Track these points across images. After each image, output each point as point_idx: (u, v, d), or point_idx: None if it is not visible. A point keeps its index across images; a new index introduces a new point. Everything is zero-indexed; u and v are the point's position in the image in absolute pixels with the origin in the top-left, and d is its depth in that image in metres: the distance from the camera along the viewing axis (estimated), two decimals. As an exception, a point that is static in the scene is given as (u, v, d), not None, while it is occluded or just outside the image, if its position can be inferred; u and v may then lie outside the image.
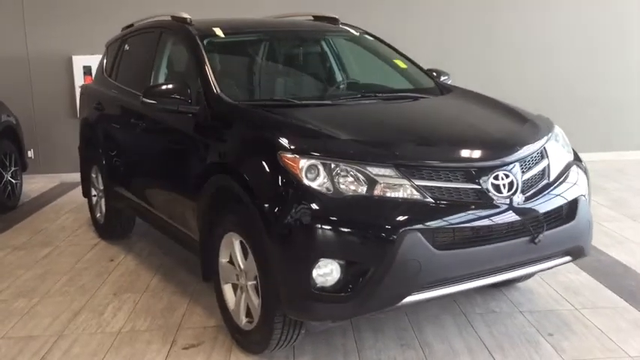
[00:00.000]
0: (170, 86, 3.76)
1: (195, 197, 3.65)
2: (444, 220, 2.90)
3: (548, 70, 8.30)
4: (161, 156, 4.25)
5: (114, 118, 5.04)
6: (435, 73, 4.50)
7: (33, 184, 7.77)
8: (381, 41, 4.73)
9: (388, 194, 2.89)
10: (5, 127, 6.64)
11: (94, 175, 5.56)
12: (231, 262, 3.46)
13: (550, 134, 3.47)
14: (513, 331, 3.58)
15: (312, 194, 2.88)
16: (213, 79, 3.75)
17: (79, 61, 7.95)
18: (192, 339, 3.60)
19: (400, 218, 2.85)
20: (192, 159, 3.75)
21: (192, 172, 3.70)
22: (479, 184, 3.00)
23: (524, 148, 3.23)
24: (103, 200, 5.44)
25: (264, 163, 3.05)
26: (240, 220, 3.29)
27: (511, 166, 3.10)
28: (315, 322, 3.15)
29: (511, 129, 3.51)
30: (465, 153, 3.14)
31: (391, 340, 3.51)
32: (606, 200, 6.14)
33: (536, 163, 3.25)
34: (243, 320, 3.40)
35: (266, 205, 2.97)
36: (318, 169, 2.92)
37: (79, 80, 7.91)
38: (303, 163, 2.92)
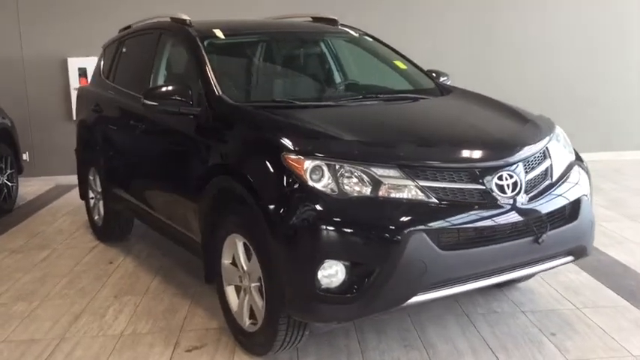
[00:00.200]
0: (171, 88, 3.74)
1: (197, 199, 3.64)
2: (449, 221, 2.90)
3: (547, 70, 8.33)
4: (162, 158, 4.23)
5: (112, 120, 5.02)
6: (434, 74, 4.51)
7: (28, 187, 7.73)
8: (381, 42, 4.73)
9: (393, 195, 2.89)
10: (0, 130, 6.61)
11: (91, 178, 5.54)
12: (234, 263, 3.45)
13: (552, 134, 3.48)
14: (516, 331, 3.59)
15: (317, 195, 2.87)
16: (215, 80, 3.74)
17: (74, 63, 7.92)
18: (195, 341, 3.59)
19: (405, 219, 2.85)
20: (193, 160, 3.74)
21: (194, 173, 3.69)
22: (483, 184, 3.00)
23: (527, 148, 3.24)
24: (100, 202, 5.42)
25: (268, 164, 3.04)
26: (244, 221, 3.28)
27: (514, 166, 3.11)
28: (319, 324, 3.15)
29: (513, 129, 3.52)
30: (468, 153, 3.15)
31: (394, 341, 3.51)
32: (604, 200, 6.16)
33: (539, 163, 3.26)
34: (246, 322, 3.39)
35: (270, 207, 2.96)
36: (323, 170, 2.91)
37: (75, 82, 7.90)
38: (308, 164, 2.92)
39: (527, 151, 3.21)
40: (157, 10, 5.33)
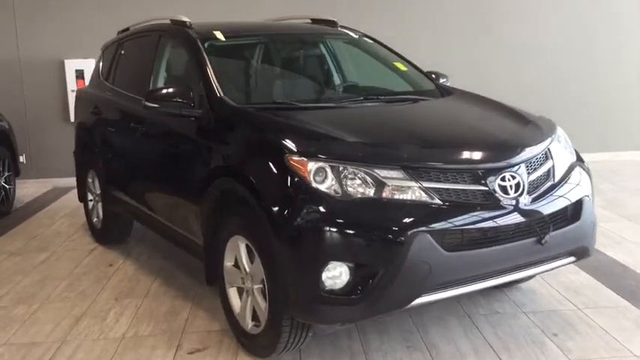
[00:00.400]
0: (172, 90, 3.74)
1: (199, 201, 3.63)
2: (453, 222, 2.90)
3: (543, 70, 8.36)
4: (162, 160, 4.22)
5: (112, 122, 5.01)
6: (434, 75, 4.52)
7: (25, 190, 7.71)
8: (380, 44, 4.74)
9: (396, 196, 2.89)
10: (-2, 132, 6.60)
11: (90, 180, 5.53)
12: (236, 265, 3.45)
13: (553, 135, 3.50)
14: (518, 332, 3.60)
15: (321, 197, 2.87)
16: (216, 82, 3.74)
17: (71, 65, 7.90)
18: (198, 343, 3.58)
19: (409, 220, 2.85)
20: (195, 163, 3.74)
21: (196, 175, 3.68)
22: (486, 185, 3.01)
23: (529, 149, 3.25)
24: (99, 205, 5.40)
25: (271, 166, 3.04)
26: (246, 223, 3.28)
27: (517, 167, 3.12)
28: (323, 325, 3.14)
29: (516, 130, 3.53)
30: (471, 155, 3.15)
31: (397, 342, 3.51)
32: (602, 201, 6.18)
33: (541, 164, 3.27)
34: (249, 324, 3.38)
35: (274, 208, 2.96)
36: (326, 172, 2.91)
37: (72, 84, 7.88)
38: (311, 165, 2.92)
39: (529, 153, 3.22)
40: (154, 12, 5.33)
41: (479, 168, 3.06)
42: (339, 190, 2.89)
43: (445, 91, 4.23)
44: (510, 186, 3.04)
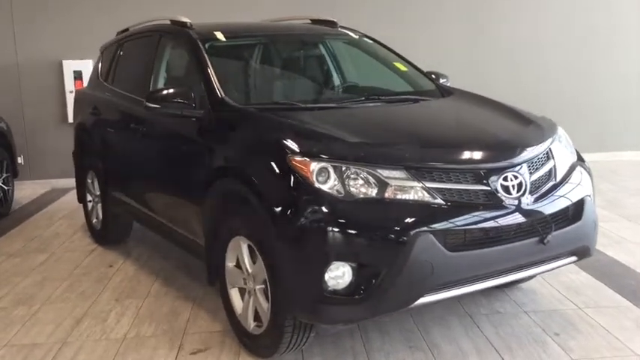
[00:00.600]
0: (173, 90, 3.73)
1: (200, 201, 3.63)
2: (455, 222, 2.91)
3: (541, 71, 8.37)
4: (163, 160, 4.21)
5: (112, 122, 5.01)
6: (434, 76, 4.53)
7: (23, 191, 7.69)
8: (380, 44, 4.74)
9: (399, 196, 2.90)
10: (-3, 133, 6.58)
11: (89, 181, 5.52)
12: (238, 266, 3.45)
13: (555, 135, 3.50)
14: (520, 332, 3.60)
15: (323, 197, 2.87)
16: (217, 82, 3.74)
17: (69, 66, 7.88)
18: (199, 344, 3.58)
19: (412, 220, 2.85)
20: (196, 163, 3.73)
21: (197, 176, 3.67)
22: (488, 185, 3.01)
23: (531, 149, 3.25)
24: (99, 205, 5.40)
25: (273, 166, 3.04)
26: (248, 223, 3.28)
27: (519, 167, 3.12)
28: (326, 325, 3.14)
29: (517, 130, 3.54)
30: (474, 154, 3.16)
31: (399, 342, 3.51)
32: (601, 201, 6.17)
33: (543, 164, 3.28)
34: (251, 324, 3.38)
35: (276, 209, 2.96)
36: (329, 172, 2.91)
37: (70, 85, 7.87)
38: (314, 165, 2.92)
39: (531, 152, 3.23)
40: (153, 13, 5.33)
41: (481, 168, 3.06)
42: (342, 190, 2.89)
43: (445, 92, 4.24)
44: (512, 186, 3.05)
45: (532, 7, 8.33)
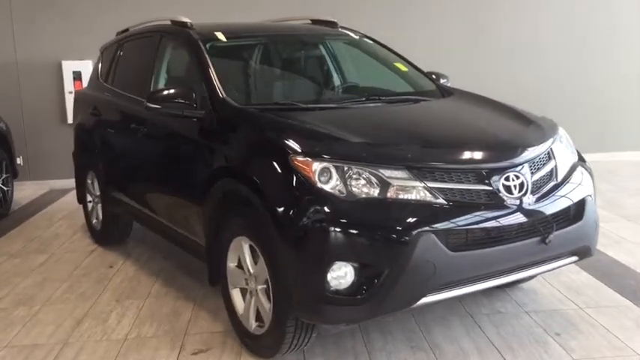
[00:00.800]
0: (174, 91, 3.72)
1: (201, 202, 3.62)
2: (457, 222, 2.91)
3: (540, 71, 8.37)
4: (164, 160, 4.21)
5: (112, 123, 5.00)
6: (434, 76, 4.53)
7: (22, 191, 7.68)
8: (380, 44, 4.75)
9: (401, 196, 2.90)
10: (-4, 134, 6.58)
11: (89, 181, 5.51)
12: (239, 266, 3.45)
13: (555, 135, 3.51)
14: (521, 332, 3.60)
15: (325, 197, 2.87)
16: (218, 83, 3.73)
17: (68, 67, 7.87)
18: (201, 344, 3.57)
19: (414, 220, 2.85)
20: (197, 163, 3.73)
21: (198, 176, 3.68)
22: (490, 185, 3.02)
23: (532, 149, 3.26)
24: (99, 206, 5.39)
25: (275, 166, 3.04)
26: (250, 223, 3.28)
27: (520, 167, 3.13)
28: (328, 326, 3.14)
29: (518, 130, 3.54)
30: (475, 154, 3.16)
31: (400, 342, 3.51)
32: (601, 201, 6.09)
33: (544, 164, 3.28)
34: (253, 325, 3.38)
35: (278, 209, 2.96)
36: (331, 172, 2.91)
37: (69, 86, 7.86)
38: (316, 166, 2.92)
39: (532, 152, 3.23)
40: (152, 14, 5.34)
41: (483, 168, 3.06)
42: (344, 190, 2.89)
43: (446, 92, 4.24)
44: (514, 186, 3.05)
45: (532, 8, 8.33)
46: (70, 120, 7.52)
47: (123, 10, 7.61)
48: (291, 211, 2.92)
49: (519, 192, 3.06)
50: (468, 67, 8.00)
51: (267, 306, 3.23)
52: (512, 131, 3.53)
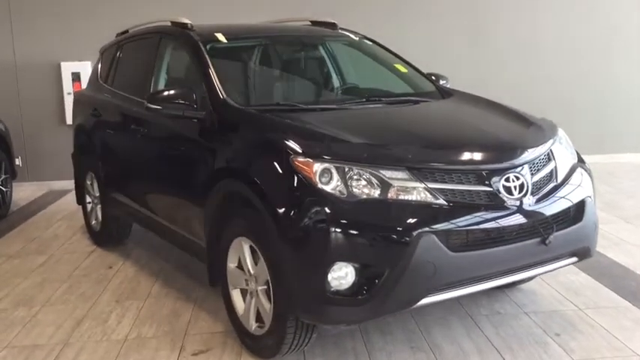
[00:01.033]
0: (175, 91, 3.73)
1: (202, 202, 3.63)
2: (458, 222, 2.92)
3: (539, 73, 8.38)
4: (164, 161, 4.22)
5: (112, 124, 5.00)
6: (433, 77, 4.54)
7: (21, 192, 7.68)
8: (380, 45, 4.76)
9: (402, 197, 2.91)
10: (-5, 135, 6.57)
11: (89, 182, 5.51)
12: (239, 267, 3.45)
13: (555, 137, 3.52)
14: (520, 332, 3.61)
15: (326, 198, 2.88)
16: (219, 84, 3.74)
17: (67, 68, 7.88)
18: (201, 345, 3.58)
19: (415, 221, 2.87)
20: (198, 164, 3.73)
21: (198, 177, 3.69)
22: (490, 186, 3.02)
23: (532, 150, 3.27)
24: (98, 207, 5.39)
25: (276, 167, 3.04)
26: (251, 224, 3.28)
27: (520, 168, 3.14)
28: (328, 326, 3.16)
29: (518, 132, 3.56)
30: (475, 155, 3.17)
31: (400, 343, 3.52)
32: (599, 203, 6.06)
33: (544, 165, 3.29)
34: (253, 325, 3.38)
35: (279, 210, 2.97)
36: (332, 173, 2.92)
37: (68, 87, 7.87)
38: (317, 166, 2.92)
39: (532, 154, 3.24)
40: (152, 15, 5.34)
41: (483, 169, 3.07)
42: (345, 191, 2.90)
43: (445, 93, 4.25)
44: (514, 187, 3.06)
45: (531, 9, 8.34)
46: (68, 121, 7.53)
47: (122, 12, 7.62)
48: (292, 212, 2.92)
49: (519, 193, 3.07)
50: (466, 68, 8.00)
51: (267, 306, 3.23)
52: (512, 132, 3.54)
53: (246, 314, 3.44)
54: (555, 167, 3.33)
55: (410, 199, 2.91)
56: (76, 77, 7.88)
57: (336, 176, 2.92)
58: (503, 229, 3.00)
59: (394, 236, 2.86)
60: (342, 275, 2.86)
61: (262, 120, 3.50)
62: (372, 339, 3.56)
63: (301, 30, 4.90)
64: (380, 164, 2.95)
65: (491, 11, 8.32)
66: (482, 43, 8.31)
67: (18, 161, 7.66)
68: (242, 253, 3.38)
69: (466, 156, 3.16)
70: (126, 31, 5.38)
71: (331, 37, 4.84)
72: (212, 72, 3.81)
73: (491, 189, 3.02)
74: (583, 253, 3.41)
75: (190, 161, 3.83)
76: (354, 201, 2.89)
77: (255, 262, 3.31)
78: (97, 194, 5.34)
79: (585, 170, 3.54)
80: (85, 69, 7.67)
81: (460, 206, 2.95)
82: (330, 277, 2.85)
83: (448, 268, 2.89)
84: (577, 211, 3.30)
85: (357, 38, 4.78)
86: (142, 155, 4.52)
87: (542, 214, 3.10)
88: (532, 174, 3.17)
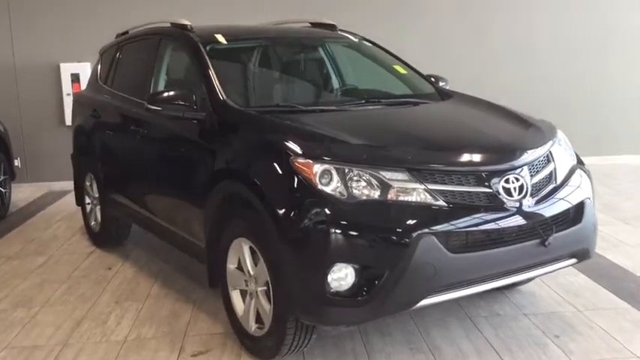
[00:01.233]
0: (175, 92, 3.74)
1: (202, 203, 3.63)
2: (457, 224, 2.92)
3: (536, 74, 8.39)
4: (164, 162, 4.22)
5: (111, 125, 5.00)
6: (433, 79, 4.55)
7: (20, 193, 7.68)
8: (379, 47, 4.77)
9: (402, 198, 2.91)
10: (-6, 136, 6.57)
11: (88, 183, 5.51)
12: (239, 268, 3.45)
13: (555, 138, 3.53)
14: (520, 334, 3.61)
15: (326, 199, 2.89)
16: (218, 85, 3.74)
17: (66, 69, 7.88)
18: (200, 346, 3.58)
19: (414, 222, 2.87)
20: (197, 165, 3.74)
21: (198, 178, 3.69)
22: (490, 187, 3.03)
23: (532, 151, 3.27)
24: (97, 208, 5.39)
25: (276, 168, 3.05)
26: (250, 225, 3.29)
27: (520, 169, 3.14)
28: (328, 327, 3.16)
29: (518, 133, 3.56)
30: (475, 157, 3.18)
31: (400, 344, 3.52)
32: (598, 204, 6.08)
33: (544, 166, 3.30)
34: (252, 326, 3.39)
35: (279, 211, 2.97)
36: (332, 174, 2.93)
37: (67, 88, 7.87)
38: (317, 168, 2.93)
39: (532, 155, 3.25)
40: (152, 16, 5.34)
41: (483, 170, 3.08)
42: (345, 192, 2.90)
43: (445, 95, 4.26)
44: (514, 188, 3.07)
45: (527, 10, 8.35)
46: (68, 122, 7.54)
47: (122, 13, 7.62)
48: (292, 213, 2.93)
49: (519, 194, 3.07)
50: (463, 69, 8.00)
51: (267, 307, 3.24)
52: (511, 134, 3.55)
53: (245, 315, 3.44)
54: (555, 169, 3.34)
55: (410, 200, 2.91)
56: (75, 78, 7.89)
57: (336, 177, 2.92)
58: (502, 231, 3.01)
59: (394, 237, 2.86)
60: (341, 276, 2.87)
61: (262, 121, 3.50)
62: (371, 340, 3.57)
63: (301, 31, 4.90)
64: (380, 165, 2.96)
65: (487, 12, 8.32)
66: (479, 43, 8.32)
67: (17, 162, 7.67)
68: (242, 254, 3.38)
69: (466, 157, 3.17)
70: (126, 32, 5.38)
71: (331, 39, 4.85)
72: (212, 73, 3.81)
73: (491, 190, 3.03)
74: (582, 255, 3.41)
75: (190, 162, 3.83)
76: (354, 202, 2.89)
77: (255, 263, 3.31)
78: (97, 195, 5.35)
79: (584, 172, 3.55)
80: (85, 70, 7.68)
81: (460, 207, 2.96)
82: (330, 278, 2.85)
83: (448, 270, 2.90)
84: (576, 213, 3.31)
85: (356, 40, 4.79)
86: (142, 156, 4.53)
87: (541, 215, 3.11)
88: (531, 175, 3.18)
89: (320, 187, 2.90)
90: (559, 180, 3.32)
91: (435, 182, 2.97)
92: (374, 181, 2.92)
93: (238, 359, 3.43)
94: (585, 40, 8.47)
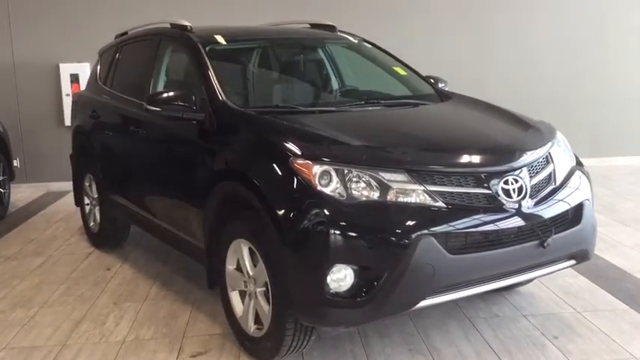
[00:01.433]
0: (174, 93, 3.74)
1: (201, 204, 3.63)
2: (457, 225, 2.92)
3: (534, 76, 8.39)
4: (163, 163, 4.21)
5: (111, 125, 5.00)
6: (432, 80, 4.55)
7: (19, 194, 7.69)
8: (379, 48, 4.77)
9: (401, 199, 2.91)
10: (-7, 136, 6.57)
11: (87, 184, 5.51)
12: (238, 269, 3.45)
13: (554, 140, 3.53)
14: (519, 335, 3.62)
15: (326, 200, 2.89)
16: (218, 85, 3.74)
17: (66, 69, 7.88)
18: (199, 347, 3.58)
19: (414, 223, 2.87)
20: (197, 166, 3.73)
21: (197, 179, 3.69)
22: (489, 188, 3.03)
23: (531, 153, 3.28)
24: (97, 209, 5.39)
25: (276, 169, 3.05)
26: (250, 226, 3.28)
27: (519, 170, 3.15)
28: (327, 328, 3.16)
29: (517, 134, 3.57)
30: (474, 158, 3.18)
31: (399, 345, 3.52)
32: (596, 205, 6.08)
33: (543, 168, 3.30)
34: (251, 327, 3.39)
35: (279, 212, 2.97)
36: (331, 175, 2.93)
37: (66, 88, 7.87)
38: (316, 169, 2.93)
39: (531, 156, 3.25)
40: (151, 17, 5.34)
41: (482, 171, 3.08)
42: (344, 193, 2.90)
43: (444, 96, 4.26)
44: (513, 189, 3.07)
45: (526, 11, 8.35)
46: (67, 122, 7.53)
47: (121, 14, 7.62)
48: (292, 214, 2.93)
49: (518, 196, 3.08)
50: (464, 70, 8.00)
51: (266, 308, 3.23)
52: (510, 135, 3.55)
53: (244, 316, 3.44)
54: (554, 170, 3.34)
55: (409, 201, 2.91)
56: (74, 79, 7.88)
57: (335, 178, 2.92)
58: (501, 232, 3.01)
59: (393, 238, 2.86)
60: (341, 277, 2.87)
61: (261, 122, 3.50)
62: (370, 342, 3.57)
63: (300, 32, 4.90)
64: (379, 166, 2.96)
65: (487, 12, 8.31)
66: (479, 43, 8.31)
67: (16, 162, 7.67)
68: (241, 255, 3.38)
69: (465, 158, 3.17)
70: (125, 33, 5.38)
71: (330, 40, 4.85)
72: (211, 74, 3.81)
73: (490, 191, 3.03)
74: (581, 256, 3.42)
75: (189, 163, 3.83)
76: (353, 203, 2.89)
77: (254, 263, 3.31)
78: (96, 196, 5.34)
79: (583, 173, 3.55)
80: (84, 70, 7.68)
81: (459, 209, 2.96)
82: (329, 279, 2.85)
83: (447, 271, 2.90)
84: (575, 214, 3.31)
85: (356, 41, 4.79)
86: (141, 157, 4.52)
87: (540, 216, 3.11)
88: (531, 177, 3.18)
89: (319, 188, 2.90)
90: (558, 181, 3.32)
91: (435, 183, 2.97)
92: (373, 182, 2.92)
93: (237, 360, 3.43)
94: (585, 40, 8.47)
